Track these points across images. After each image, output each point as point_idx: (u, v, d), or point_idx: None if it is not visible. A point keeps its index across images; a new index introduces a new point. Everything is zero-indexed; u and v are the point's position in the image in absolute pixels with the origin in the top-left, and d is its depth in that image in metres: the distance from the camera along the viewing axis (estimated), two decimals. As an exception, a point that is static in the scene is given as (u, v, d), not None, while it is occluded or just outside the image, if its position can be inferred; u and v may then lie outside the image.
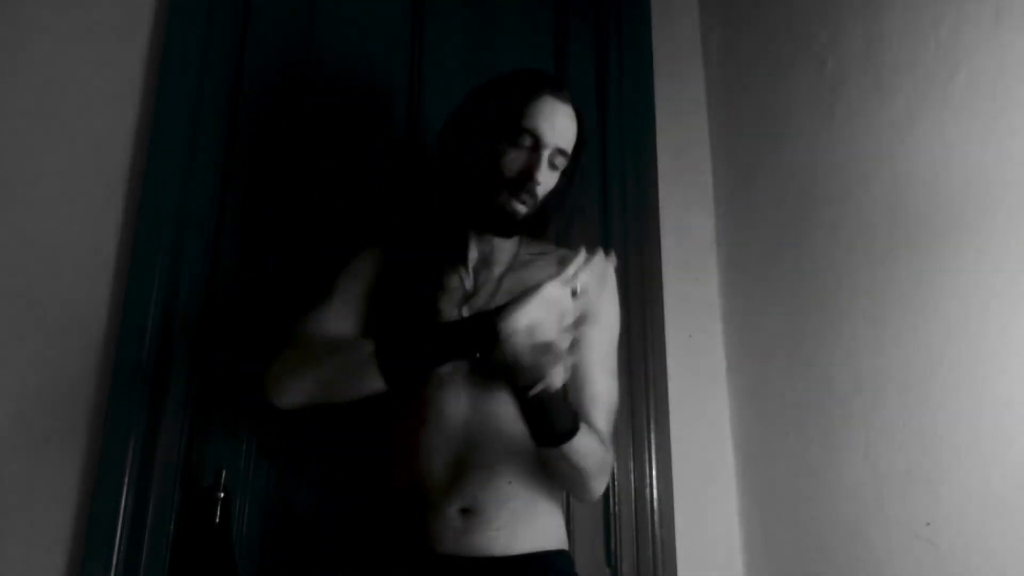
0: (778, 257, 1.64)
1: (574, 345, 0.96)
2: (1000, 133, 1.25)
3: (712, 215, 1.83)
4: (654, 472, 1.59)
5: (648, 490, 1.58)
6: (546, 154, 1.11)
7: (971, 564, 1.21)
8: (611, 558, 1.52)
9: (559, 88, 1.14)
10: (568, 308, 0.96)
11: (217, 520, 1.27)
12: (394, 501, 1.13)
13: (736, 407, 1.70)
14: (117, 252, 1.32)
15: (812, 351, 1.53)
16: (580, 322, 0.97)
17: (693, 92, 1.91)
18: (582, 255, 1.01)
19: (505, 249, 1.21)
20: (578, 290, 0.98)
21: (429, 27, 1.66)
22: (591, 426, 1.08)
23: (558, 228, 1.56)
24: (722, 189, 1.83)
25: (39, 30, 1.37)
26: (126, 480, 1.22)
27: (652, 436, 1.61)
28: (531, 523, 1.09)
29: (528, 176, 1.10)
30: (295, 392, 1.09)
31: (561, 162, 1.15)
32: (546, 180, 1.13)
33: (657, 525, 1.56)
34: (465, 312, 1.14)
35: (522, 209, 1.12)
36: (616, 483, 1.56)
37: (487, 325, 0.95)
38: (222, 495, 1.27)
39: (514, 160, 1.11)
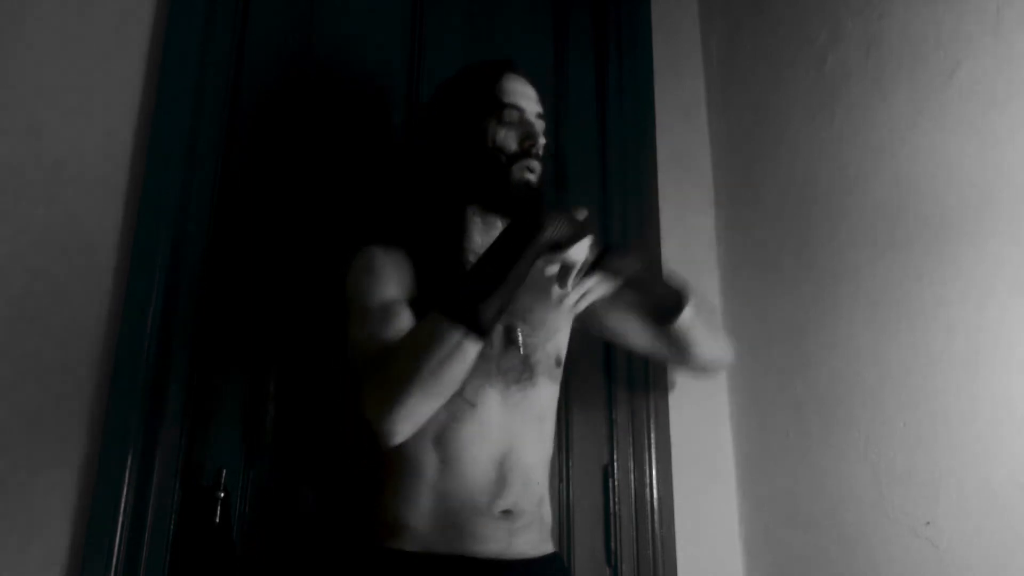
0: (778, 257, 1.64)
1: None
2: (1000, 133, 1.25)
3: (712, 215, 1.83)
4: (654, 472, 1.59)
5: (648, 490, 1.58)
6: (532, 117, 1.18)
7: (971, 564, 1.21)
8: (611, 558, 1.52)
9: (511, 64, 1.23)
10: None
11: (217, 520, 1.27)
12: (432, 504, 1.07)
13: (736, 407, 1.70)
14: (117, 252, 1.32)
15: (812, 351, 1.53)
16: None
17: (693, 92, 1.91)
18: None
19: None
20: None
21: (429, 23, 1.66)
22: None
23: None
24: (722, 189, 1.83)
25: (39, 29, 1.37)
26: (126, 480, 1.22)
27: (652, 436, 1.61)
28: (548, 525, 1.15)
29: (532, 142, 1.15)
30: (412, 423, 0.97)
31: (542, 125, 1.20)
32: (541, 132, 1.19)
33: (657, 525, 1.56)
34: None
35: (534, 178, 1.16)
36: (616, 483, 1.56)
37: (529, 211, 1.01)
38: (222, 495, 1.28)
39: (509, 135, 1.15)
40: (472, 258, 1.15)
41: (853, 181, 1.50)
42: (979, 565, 1.20)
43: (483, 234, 1.18)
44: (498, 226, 1.17)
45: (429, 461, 1.07)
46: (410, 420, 0.95)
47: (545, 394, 1.17)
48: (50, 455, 1.22)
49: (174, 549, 1.25)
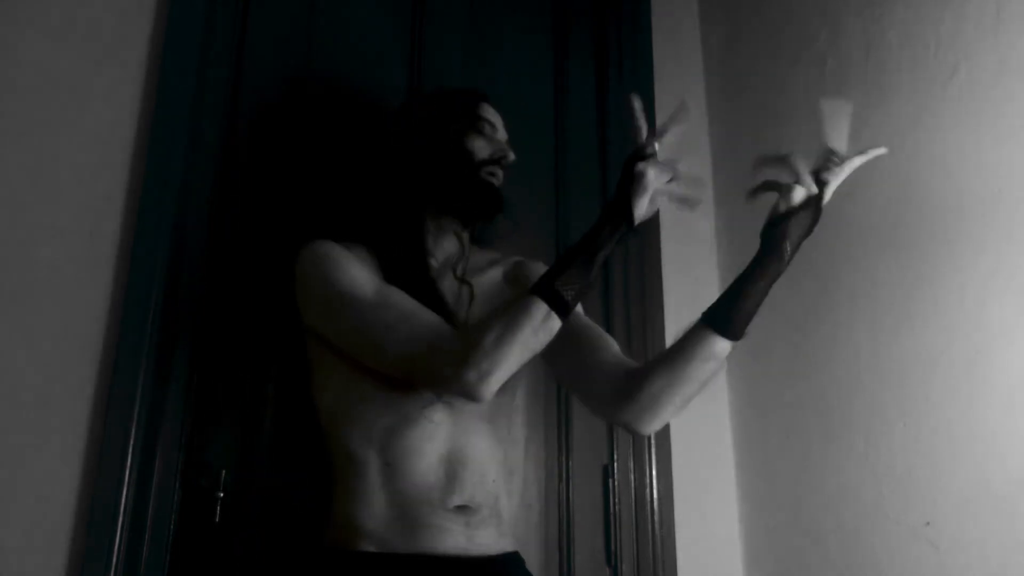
0: (778, 257, 1.64)
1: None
2: (1000, 133, 1.25)
3: (712, 215, 1.83)
4: (654, 472, 1.59)
5: (648, 490, 1.58)
6: (504, 140, 1.23)
7: (971, 564, 1.21)
8: (611, 558, 1.52)
9: (485, 95, 1.28)
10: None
11: (217, 520, 1.27)
12: (383, 503, 1.07)
13: (736, 407, 1.70)
14: (117, 251, 1.32)
15: (812, 351, 1.53)
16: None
17: (693, 92, 1.91)
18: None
19: (459, 250, 1.23)
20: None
21: (429, 23, 1.66)
22: None
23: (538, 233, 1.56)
24: (722, 189, 1.83)
25: (39, 31, 1.37)
26: (126, 480, 1.22)
27: (652, 436, 1.61)
28: (506, 522, 1.14)
29: (503, 153, 1.21)
30: (503, 373, 1.00)
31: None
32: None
33: (657, 525, 1.56)
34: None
35: (496, 182, 1.21)
36: (616, 483, 1.56)
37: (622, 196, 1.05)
38: (222, 495, 1.27)
39: (483, 146, 1.21)
40: (433, 261, 1.20)
41: (853, 181, 1.49)
42: (979, 565, 1.20)
43: (435, 239, 1.22)
44: (451, 232, 1.22)
45: (374, 463, 1.07)
46: (499, 381, 1.01)
47: (491, 401, 1.09)
48: (50, 455, 1.22)
49: (174, 549, 1.25)
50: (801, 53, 1.65)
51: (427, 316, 1.06)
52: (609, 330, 1.39)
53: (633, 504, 1.57)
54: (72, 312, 1.27)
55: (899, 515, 1.32)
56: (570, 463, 1.55)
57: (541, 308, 0.99)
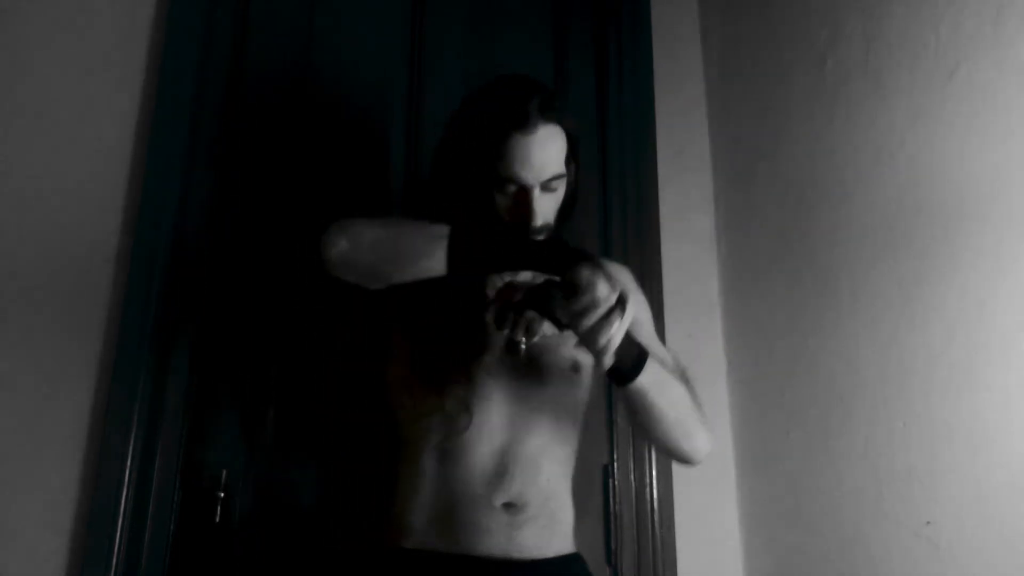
0: (778, 257, 1.64)
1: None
2: (1000, 132, 1.25)
3: (712, 215, 1.83)
4: (654, 472, 1.59)
5: (648, 490, 1.58)
6: (535, 192, 1.06)
7: (971, 564, 1.21)
8: (611, 558, 1.52)
9: (524, 120, 1.03)
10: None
11: (217, 520, 1.27)
12: (431, 498, 1.07)
13: (736, 407, 1.70)
14: (117, 250, 1.32)
15: (812, 351, 1.53)
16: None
17: (693, 92, 1.91)
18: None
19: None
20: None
21: (429, 24, 1.66)
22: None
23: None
24: (722, 189, 1.83)
25: (39, 34, 1.37)
26: (126, 479, 1.23)
27: (652, 436, 1.61)
28: (562, 524, 1.11)
29: (526, 219, 1.06)
30: (353, 243, 1.01)
31: (556, 183, 1.08)
32: (545, 207, 1.08)
33: (657, 525, 1.56)
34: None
35: (540, 236, 1.08)
36: (616, 483, 1.56)
37: (574, 250, 0.95)
38: (222, 495, 1.28)
39: (506, 205, 1.07)
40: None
41: (853, 181, 1.50)
42: (979, 565, 1.20)
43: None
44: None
45: (430, 459, 1.08)
46: (342, 252, 1.01)
47: (557, 396, 1.13)
48: (50, 455, 1.22)
49: (174, 549, 1.25)
50: (801, 53, 1.65)
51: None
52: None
53: (633, 504, 1.57)
54: (72, 312, 1.28)
55: (899, 515, 1.32)
56: (570, 463, 1.55)
57: (439, 231, 0.97)
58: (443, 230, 0.98)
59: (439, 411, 1.07)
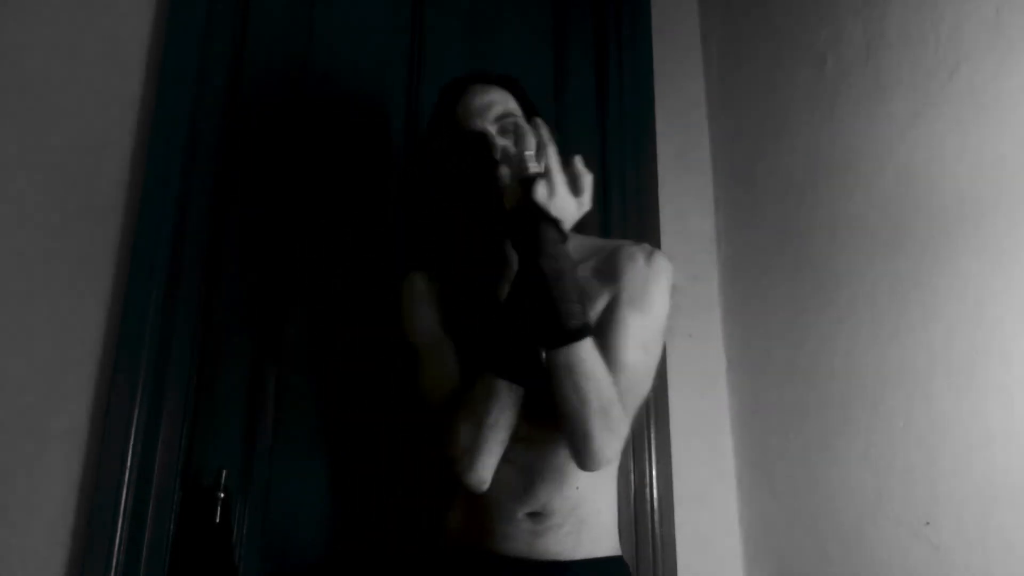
0: (778, 257, 1.64)
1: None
2: (1000, 132, 1.25)
3: (712, 215, 1.83)
4: (654, 472, 1.59)
5: (648, 490, 1.58)
6: (491, 129, 1.14)
7: (971, 564, 1.21)
8: (611, 558, 1.52)
9: (459, 85, 1.18)
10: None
11: (217, 520, 1.27)
12: (465, 508, 1.14)
13: (736, 407, 1.70)
14: (117, 251, 1.32)
15: (812, 351, 1.53)
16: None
17: (693, 92, 1.91)
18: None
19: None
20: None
21: (429, 23, 1.66)
22: None
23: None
24: (722, 189, 1.83)
25: (40, 31, 1.37)
26: (126, 480, 1.23)
27: (652, 436, 1.61)
28: (595, 528, 1.11)
29: (519, 169, 1.09)
30: (491, 460, 1.06)
31: (511, 119, 1.15)
32: (510, 147, 1.14)
33: (657, 525, 1.56)
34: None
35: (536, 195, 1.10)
36: (616, 483, 1.56)
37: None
38: (222, 495, 1.28)
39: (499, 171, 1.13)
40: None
41: (853, 181, 1.50)
42: (979, 565, 1.20)
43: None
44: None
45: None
46: (489, 467, 1.05)
47: None
48: (50, 455, 1.22)
49: (174, 549, 1.25)
50: (801, 53, 1.65)
51: (441, 392, 1.10)
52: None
53: (633, 504, 1.57)
54: (72, 312, 1.28)
55: (899, 515, 1.32)
56: (570, 463, 1.55)
57: (501, 386, 1.02)
58: (495, 383, 1.03)
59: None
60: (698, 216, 1.81)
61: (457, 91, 1.17)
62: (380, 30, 1.62)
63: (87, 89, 1.37)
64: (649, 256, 1.17)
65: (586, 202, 1.06)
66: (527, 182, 1.00)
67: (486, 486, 1.06)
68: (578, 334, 0.98)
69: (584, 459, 1.04)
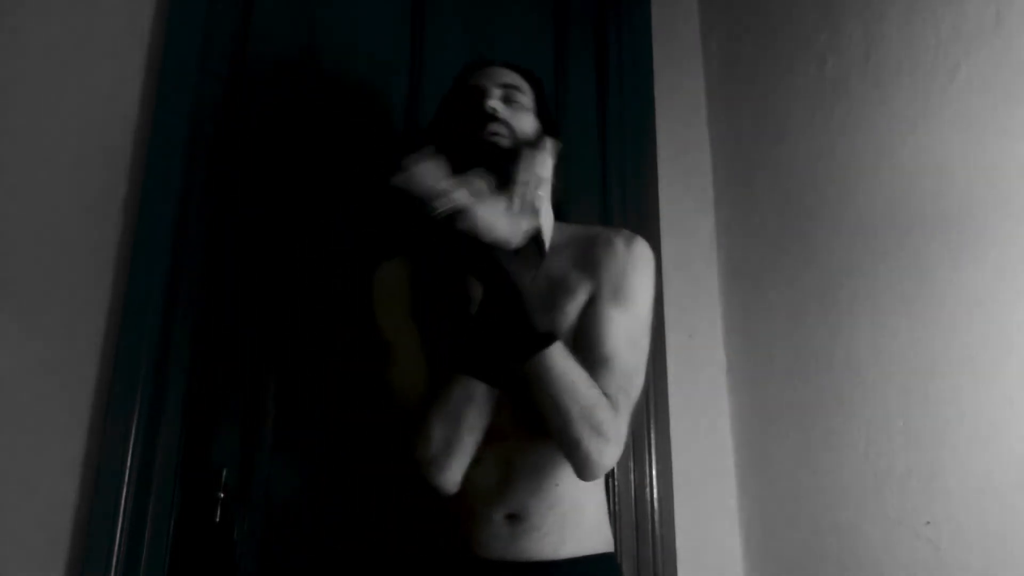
0: (778, 257, 1.64)
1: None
2: (1000, 133, 1.25)
3: (712, 215, 1.83)
4: (654, 472, 1.59)
5: (648, 490, 1.58)
6: (493, 90, 1.14)
7: (971, 564, 1.21)
8: (611, 558, 1.52)
9: (478, 61, 1.23)
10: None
11: (217, 520, 1.27)
12: (437, 507, 1.11)
13: (736, 407, 1.70)
14: (117, 252, 1.32)
15: (812, 351, 1.53)
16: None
17: (693, 92, 1.91)
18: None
19: None
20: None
21: (429, 23, 1.66)
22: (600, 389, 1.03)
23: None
24: (722, 189, 1.83)
25: (39, 29, 1.37)
26: (126, 480, 1.22)
27: (652, 436, 1.61)
28: (579, 526, 1.08)
29: (480, 107, 1.12)
30: (461, 469, 1.04)
31: (519, 96, 1.16)
32: (508, 114, 1.12)
33: (657, 525, 1.56)
34: None
35: (499, 139, 1.10)
36: (616, 483, 1.56)
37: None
38: (222, 495, 1.28)
39: (466, 111, 1.14)
40: None
41: (853, 181, 1.50)
42: (979, 565, 1.20)
43: None
44: None
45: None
46: (461, 469, 1.04)
47: None
48: (50, 455, 1.22)
49: (174, 549, 1.25)
50: (801, 53, 1.65)
51: (411, 390, 1.09)
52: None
53: (633, 504, 1.57)
54: (72, 312, 1.28)
55: (899, 515, 1.32)
56: (570, 463, 1.55)
57: (479, 388, 1.01)
58: (472, 383, 1.02)
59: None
60: (698, 216, 1.81)
61: (480, 64, 1.21)
62: (380, 30, 1.62)
63: (87, 89, 1.37)
64: (628, 243, 1.14)
65: (530, 216, 1.01)
66: (449, 219, 0.98)
67: (457, 488, 1.04)
68: (533, 346, 0.97)
69: (580, 468, 1.02)
